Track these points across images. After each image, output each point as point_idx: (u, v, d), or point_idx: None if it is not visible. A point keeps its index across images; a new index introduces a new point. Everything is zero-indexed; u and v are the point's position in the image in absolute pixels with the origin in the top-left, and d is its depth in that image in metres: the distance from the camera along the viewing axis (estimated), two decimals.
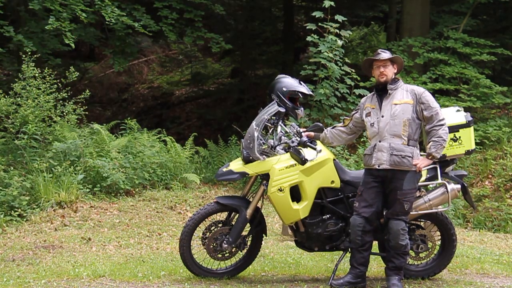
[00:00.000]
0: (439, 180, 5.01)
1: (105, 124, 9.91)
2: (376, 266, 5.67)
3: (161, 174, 8.99)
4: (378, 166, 4.82)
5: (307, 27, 9.14)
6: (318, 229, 5.07)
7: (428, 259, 5.33)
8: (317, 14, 9.19)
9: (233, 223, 5.15)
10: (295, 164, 4.96)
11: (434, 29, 12.09)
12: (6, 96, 8.53)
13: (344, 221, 5.10)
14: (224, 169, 5.12)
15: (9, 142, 8.65)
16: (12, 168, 8.09)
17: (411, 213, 4.93)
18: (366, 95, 5.25)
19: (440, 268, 5.33)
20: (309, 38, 9.15)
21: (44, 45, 10.66)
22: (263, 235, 5.29)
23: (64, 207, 7.68)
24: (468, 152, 5.13)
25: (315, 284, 5.07)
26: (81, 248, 6.49)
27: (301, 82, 5.31)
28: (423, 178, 5.00)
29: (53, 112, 8.66)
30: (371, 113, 4.95)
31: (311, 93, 5.34)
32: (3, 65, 13.82)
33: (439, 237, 5.31)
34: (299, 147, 4.97)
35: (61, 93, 8.75)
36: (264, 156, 5.00)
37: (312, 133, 5.21)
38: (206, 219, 5.19)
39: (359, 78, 9.40)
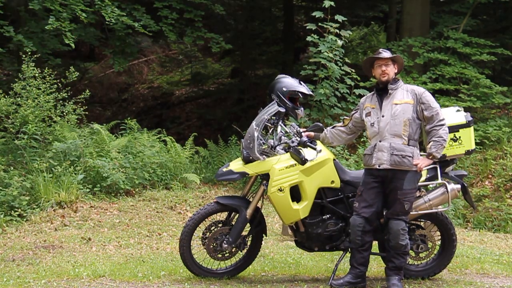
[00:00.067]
0: (439, 180, 5.01)
1: (105, 124, 9.91)
2: (376, 266, 5.67)
3: (161, 174, 8.99)
4: (379, 166, 4.82)
5: (307, 27, 9.14)
6: (318, 229, 5.07)
7: (428, 259, 5.33)
8: (317, 14, 9.19)
9: (233, 223, 5.15)
10: (295, 164, 4.96)
11: (434, 29, 12.09)
12: (6, 96, 8.53)
13: (344, 221, 5.10)
14: (224, 169, 5.12)
15: (9, 142, 8.65)
16: (12, 168, 8.08)
17: (411, 213, 4.93)
18: (366, 95, 5.25)
19: (440, 268, 5.33)
20: (309, 38, 9.15)
21: (44, 45, 10.66)
22: (263, 235, 5.29)
23: (64, 207, 7.68)
24: (468, 152, 5.13)
25: (315, 284, 5.07)
26: (81, 248, 6.49)
27: (301, 82, 5.31)
28: (423, 178, 5.00)
29: (53, 112, 8.66)
30: (371, 113, 4.95)
31: (311, 93, 5.34)
32: (3, 65, 13.81)
33: (439, 237, 5.31)
34: (299, 147, 4.96)
35: (61, 93, 8.75)
36: (264, 156, 5.00)
37: (312, 133, 5.21)
38: (206, 219, 5.19)
39: (359, 78, 9.40)
